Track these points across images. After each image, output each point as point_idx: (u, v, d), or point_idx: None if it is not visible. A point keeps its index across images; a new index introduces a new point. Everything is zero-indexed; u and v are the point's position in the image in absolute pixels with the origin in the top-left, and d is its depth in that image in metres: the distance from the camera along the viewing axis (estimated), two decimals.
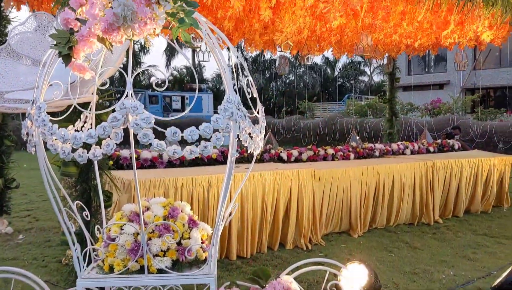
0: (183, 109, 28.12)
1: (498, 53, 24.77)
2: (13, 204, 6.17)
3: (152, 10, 1.88)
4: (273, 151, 6.13)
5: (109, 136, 1.84)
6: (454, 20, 5.84)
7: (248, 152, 2.18)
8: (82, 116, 2.54)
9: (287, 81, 38.57)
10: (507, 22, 6.37)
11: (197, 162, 5.33)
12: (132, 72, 1.93)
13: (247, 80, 2.28)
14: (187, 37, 1.97)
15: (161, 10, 1.92)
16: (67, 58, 1.86)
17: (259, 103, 2.40)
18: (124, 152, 5.03)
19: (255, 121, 2.28)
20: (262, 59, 36.99)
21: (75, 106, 2.04)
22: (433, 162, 6.33)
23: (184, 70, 38.70)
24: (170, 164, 5.25)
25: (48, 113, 2.04)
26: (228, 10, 5.10)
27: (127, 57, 2.09)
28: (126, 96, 1.85)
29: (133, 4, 1.82)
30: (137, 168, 4.92)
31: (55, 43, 1.90)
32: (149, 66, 34.96)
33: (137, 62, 32.74)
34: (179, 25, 1.93)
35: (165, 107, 27.60)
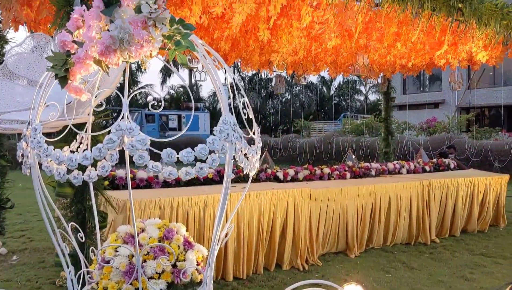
0: (179, 128, 28.17)
1: (492, 73, 25.03)
2: (7, 224, 6.11)
3: (148, 33, 1.89)
4: (269, 171, 6.12)
5: (104, 158, 1.84)
6: (447, 41, 5.91)
7: (244, 172, 2.18)
8: (78, 136, 2.54)
9: (283, 100, 38.77)
10: (500, 43, 6.46)
11: (193, 181, 5.31)
12: (128, 93, 1.94)
13: (243, 101, 2.29)
14: (183, 59, 1.99)
15: (158, 33, 1.94)
16: (63, 80, 1.87)
17: (255, 124, 2.41)
18: (120, 172, 5.02)
19: (251, 142, 2.29)
20: (258, 78, 37.23)
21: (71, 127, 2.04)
22: (429, 182, 6.33)
23: (181, 89, 38.85)
24: (166, 183, 5.23)
25: (44, 133, 2.04)
26: (224, 30, 5.16)
27: (124, 79, 2.10)
28: (122, 117, 1.86)
29: (129, 27, 1.83)
30: (133, 188, 4.90)
31: (51, 65, 1.92)
32: (144, 87, 35.08)
33: (134, 81, 32.89)
34: (176, 48, 1.95)
35: (162, 126, 27.64)
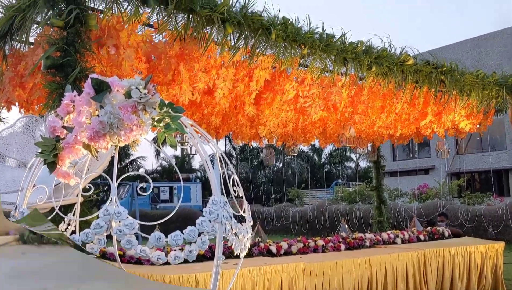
0: (171, 200, 27.96)
1: (479, 138, 25.51)
2: None
3: (138, 117, 1.93)
4: (262, 245, 6.00)
5: (92, 241, 1.80)
6: (431, 111, 6.07)
7: (235, 253, 2.14)
8: (66, 219, 2.50)
9: (275, 168, 38.94)
10: (482, 112, 6.65)
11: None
12: (117, 177, 1.94)
13: (233, 178, 2.30)
14: (172, 142, 2.01)
15: (148, 116, 1.98)
16: (52, 165, 1.87)
17: (245, 202, 2.40)
18: (111, 249, 4.89)
19: (242, 218, 2.27)
20: (249, 148, 37.58)
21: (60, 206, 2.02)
22: (424, 251, 6.23)
23: (173, 160, 38.95)
24: None
25: None
26: (215, 106, 5.28)
27: (113, 160, 2.11)
28: (110, 201, 1.85)
29: (119, 112, 1.87)
30: (123, 264, 4.76)
31: (40, 150, 1.93)
32: (135, 160, 35.24)
33: (126, 154, 33.01)
34: (165, 131, 1.98)
35: (153, 198, 27.38)
